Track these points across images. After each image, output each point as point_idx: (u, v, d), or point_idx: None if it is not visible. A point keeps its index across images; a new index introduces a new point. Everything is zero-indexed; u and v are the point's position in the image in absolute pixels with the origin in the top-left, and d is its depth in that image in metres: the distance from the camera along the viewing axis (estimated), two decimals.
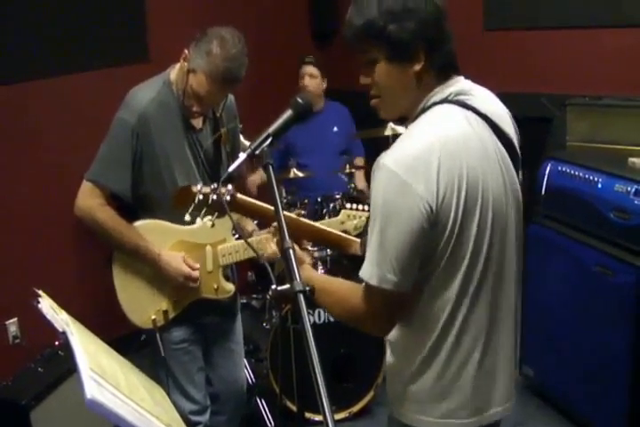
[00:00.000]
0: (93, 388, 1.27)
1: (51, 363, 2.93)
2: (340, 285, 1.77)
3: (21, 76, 3.52)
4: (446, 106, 1.62)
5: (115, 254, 2.54)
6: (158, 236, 2.50)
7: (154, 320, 2.53)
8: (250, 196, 2.03)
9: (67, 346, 3.00)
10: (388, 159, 1.55)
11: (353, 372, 3.48)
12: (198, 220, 2.05)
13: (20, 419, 2.66)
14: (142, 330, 2.61)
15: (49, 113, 3.68)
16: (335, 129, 4.32)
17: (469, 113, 1.62)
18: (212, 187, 1.91)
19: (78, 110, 3.74)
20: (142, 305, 2.54)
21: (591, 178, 3.16)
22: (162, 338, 2.57)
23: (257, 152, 1.65)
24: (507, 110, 1.77)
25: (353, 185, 4.11)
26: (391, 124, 3.96)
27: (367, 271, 1.60)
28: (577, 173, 3.24)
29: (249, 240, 2.49)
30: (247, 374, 3.62)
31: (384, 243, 1.56)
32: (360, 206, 2.49)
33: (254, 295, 4.22)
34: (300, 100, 1.73)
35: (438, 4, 1.58)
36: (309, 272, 1.82)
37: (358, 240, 1.94)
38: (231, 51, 2.30)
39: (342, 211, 2.56)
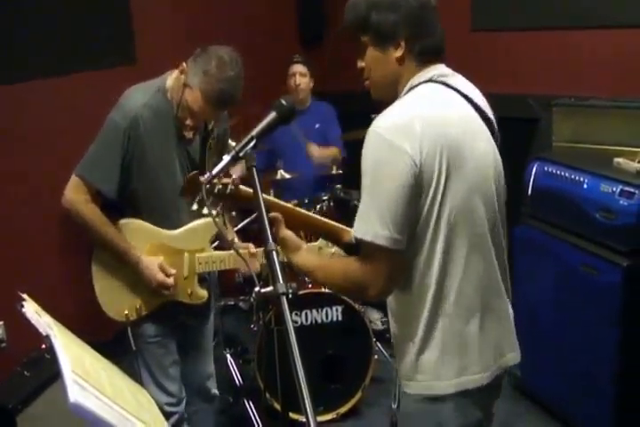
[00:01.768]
0: (77, 392, 1.26)
1: (37, 366, 2.91)
2: (336, 259, 1.91)
3: (8, 78, 3.50)
4: (430, 84, 1.77)
5: (95, 247, 2.61)
6: (139, 236, 2.56)
7: (126, 315, 2.59)
8: None
9: (51, 349, 2.99)
10: (375, 126, 1.69)
11: (341, 373, 3.48)
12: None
13: (7, 423, 2.65)
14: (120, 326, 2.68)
15: (35, 115, 3.66)
16: (317, 126, 4.32)
17: (451, 91, 1.78)
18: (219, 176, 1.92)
19: (65, 112, 3.72)
20: (117, 298, 2.62)
21: (577, 178, 3.17)
22: (137, 333, 2.65)
23: (241, 154, 1.67)
24: (485, 100, 1.91)
25: (339, 186, 4.11)
26: None
27: (361, 229, 1.68)
28: (563, 174, 3.25)
29: (230, 252, 2.58)
30: (234, 375, 3.63)
31: (375, 200, 1.66)
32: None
33: (242, 297, 4.21)
34: (283, 103, 1.76)
35: (421, 0, 1.76)
36: (306, 255, 1.89)
37: (351, 229, 1.97)
38: (228, 73, 2.34)
39: (320, 239, 2.59)
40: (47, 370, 2.89)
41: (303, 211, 2.10)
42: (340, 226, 2.04)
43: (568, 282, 3.18)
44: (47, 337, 1.58)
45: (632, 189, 2.91)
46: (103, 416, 1.28)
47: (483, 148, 1.78)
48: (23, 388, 2.78)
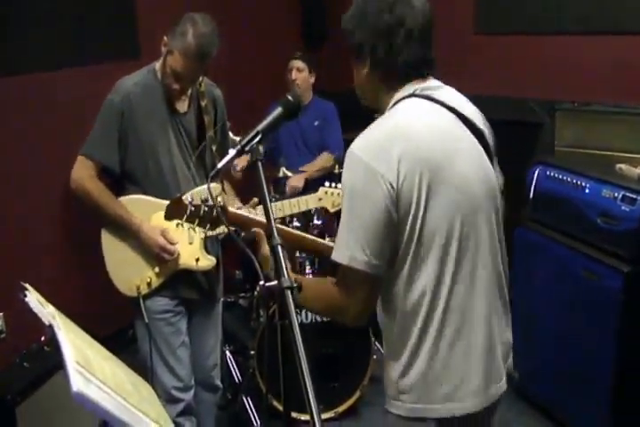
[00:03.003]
0: (80, 381, 1.27)
1: (36, 358, 2.92)
2: (318, 280, 1.84)
3: (11, 70, 3.52)
4: (413, 99, 1.71)
5: (104, 225, 2.72)
6: (142, 209, 2.69)
7: (137, 287, 2.68)
8: (234, 180, 2.04)
9: (53, 340, 2.99)
10: (353, 146, 1.66)
11: (339, 372, 3.49)
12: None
13: (5, 415, 2.65)
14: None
15: (38, 107, 3.67)
16: (316, 123, 4.33)
17: (436, 105, 1.72)
18: (203, 198, 1.95)
19: (68, 105, 3.73)
20: (128, 273, 2.71)
21: (579, 183, 3.18)
22: (145, 307, 2.70)
23: (246, 149, 1.68)
24: (477, 109, 1.85)
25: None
26: None
27: (337, 253, 1.65)
28: (565, 178, 3.26)
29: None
30: (234, 372, 3.63)
31: (351, 223, 1.63)
32: (339, 185, 2.54)
33: (242, 294, 4.22)
34: (290, 99, 1.76)
35: (400, 17, 1.67)
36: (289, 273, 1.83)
37: None
38: (202, 30, 2.54)
39: (320, 188, 2.61)
40: (47, 362, 2.90)
41: (287, 228, 2.09)
42: (328, 243, 2.02)
43: (568, 286, 3.18)
44: (50, 327, 1.59)
45: (634, 195, 2.91)
46: (105, 406, 1.29)
47: (468, 165, 1.70)
48: (22, 380, 2.79)
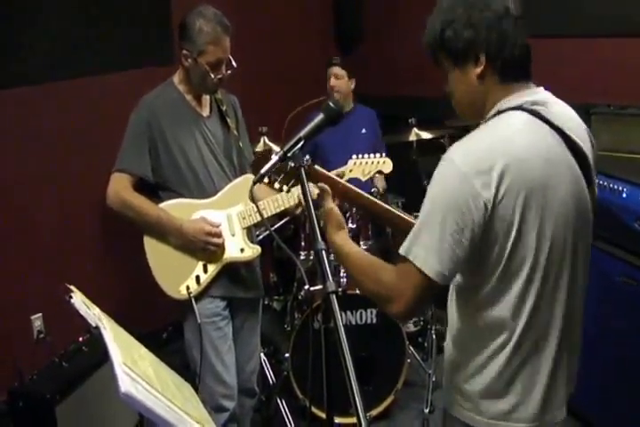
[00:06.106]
0: (127, 382, 1.30)
1: (75, 358, 2.96)
2: (373, 257, 1.76)
3: (47, 77, 3.58)
4: (519, 113, 1.64)
5: (145, 234, 2.77)
6: (182, 211, 2.75)
7: (187, 287, 2.70)
8: None
9: (95, 341, 3.03)
10: (453, 152, 1.59)
11: (373, 375, 3.48)
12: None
13: (46, 413, 2.70)
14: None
15: (75, 112, 3.73)
16: (363, 131, 4.32)
17: (541, 123, 1.64)
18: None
19: (104, 110, 3.78)
20: (176, 275, 2.74)
21: (616, 187, 3.14)
22: (193, 314, 2.68)
23: (289, 155, 1.70)
24: (584, 126, 1.79)
25: (375, 189, 4.10)
26: (415, 130, 3.97)
27: (411, 250, 1.59)
28: (601, 183, 3.22)
29: (266, 200, 2.69)
30: (268, 374, 3.65)
31: (432, 228, 1.56)
32: (365, 155, 2.64)
33: (275, 297, 4.23)
34: (331, 105, 1.78)
35: (498, 11, 1.63)
36: (346, 238, 1.82)
37: (413, 220, 1.90)
38: (209, 14, 2.65)
39: (349, 160, 2.65)
40: (85, 362, 2.94)
41: (362, 192, 2.04)
42: (404, 216, 1.98)
43: (606, 292, 3.14)
44: (95, 328, 1.63)
45: None
46: (152, 406, 1.31)
47: (565, 192, 1.63)
48: (62, 379, 2.83)
